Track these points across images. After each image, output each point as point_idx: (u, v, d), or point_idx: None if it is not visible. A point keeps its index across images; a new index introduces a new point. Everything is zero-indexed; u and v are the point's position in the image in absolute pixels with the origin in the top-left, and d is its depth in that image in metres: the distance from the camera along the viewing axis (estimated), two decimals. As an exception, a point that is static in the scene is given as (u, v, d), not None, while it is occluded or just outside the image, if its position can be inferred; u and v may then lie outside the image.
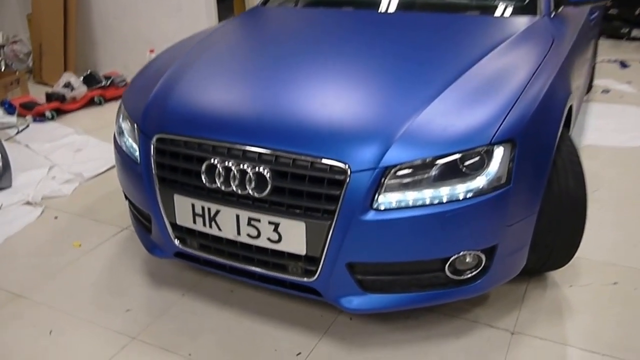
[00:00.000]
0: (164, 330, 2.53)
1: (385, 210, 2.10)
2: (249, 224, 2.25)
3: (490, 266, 2.25)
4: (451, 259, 2.19)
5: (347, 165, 2.10)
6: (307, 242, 2.18)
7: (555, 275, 2.83)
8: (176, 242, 2.49)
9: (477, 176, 2.13)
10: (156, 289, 2.79)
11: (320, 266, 2.20)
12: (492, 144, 2.13)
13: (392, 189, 2.11)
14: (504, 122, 2.17)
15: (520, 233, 2.29)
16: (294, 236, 2.20)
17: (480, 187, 2.12)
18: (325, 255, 2.17)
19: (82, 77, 5.42)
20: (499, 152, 2.14)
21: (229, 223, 2.29)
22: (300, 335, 2.48)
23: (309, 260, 2.24)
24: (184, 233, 2.47)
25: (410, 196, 2.11)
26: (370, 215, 2.09)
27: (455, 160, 2.12)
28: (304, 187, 2.15)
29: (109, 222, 3.40)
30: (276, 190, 2.20)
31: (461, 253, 2.17)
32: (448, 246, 2.15)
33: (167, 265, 2.94)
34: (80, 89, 5.24)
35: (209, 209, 2.32)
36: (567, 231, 2.49)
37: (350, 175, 2.09)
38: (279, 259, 2.28)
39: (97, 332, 2.54)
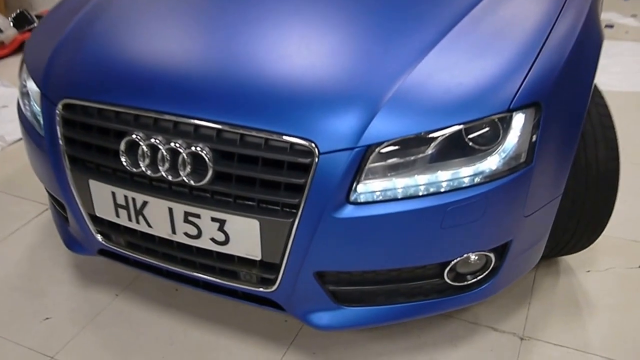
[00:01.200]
0: (89, 345, 1.99)
1: (366, 203, 1.54)
2: (185, 220, 1.68)
3: (500, 267, 1.72)
4: (452, 264, 1.65)
5: (314, 144, 1.52)
6: (262, 245, 1.63)
7: (569, 258, 2.33)
8: (98, 237, 1.92)
9: (488, 154, 1.57)
10: (84, 287, 2.23)
11: (281, 274, 1.65)
12: (511, 110, 1.56)
13: (375, 174, 1.55)
14: (526, 80, 1.59)
15: (539, 223, 1.75)
16: (245, 237, 1.63)
17: (493, 169, 1.57)
18: (287, 262, 1.63)
19: (11, 18, 4.63)
20: (519, 121, 1.58)
21: (161, 218, 1.72)
22: (261, 348, 1.96)
23: (267, 267, 1.69)
24: (106, 227, 1.89)
25: (399, 184, 1.55)
26: (347, 211, 1.53)
27: (460, 133, 1.56)
28: (257, 173, 1.57)
29: (32, 199, 2.79)
30: (219, 177, 1.62)
31: (464, 255, 1.64)
32: (449, 248, 1.61)
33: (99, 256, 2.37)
34: (9, 32, 4.48)
35: (133, 200, 1.74)
36: (594, 211, 1.96)
37: (318, 157, 1.51)
38: (228, 263, 1.73)
39: (4, 352, 1.99)
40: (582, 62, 1.76)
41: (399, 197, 1.54)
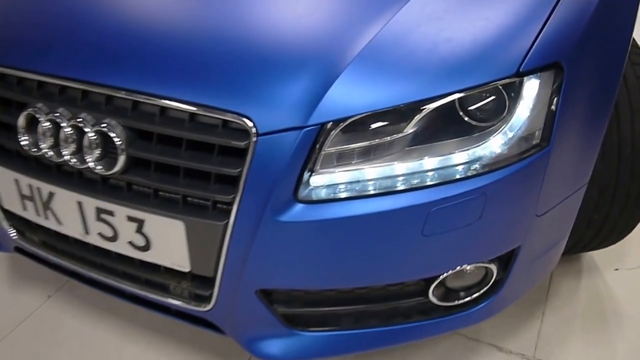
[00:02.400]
0: (6, 362, 1.64)
1: (321, 201, 1.14)
2: (98, 218, 1.30)
3: (504, 280, 1.32)
4: (439, 279, 1.25)
5: (250, 122, 1.11)
6: (190, 252, 1.24)
7: (594, 253, 1.92)
8: (12, 233, 1.54)
9: (490, 134, 1.15)
10: (12, 287, 1.87)
11: (216, 291, 1.27)
12: (521, 74, 1.13)
13: (335, 162, 1.14)
14: (542, 33, 1.16)
15: (557, 223, 1.34)
16: (168, 242, 1.25)
17: (496, 153, 1.15)
18: (222, 276, 1.23)
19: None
20: (531, 88, 1.15)
21: (70, 214, 1.33)
22: (211, 368, 1.59)
23: (199, 280, 1.30)
24: (19, 222, 1.52)
25: (367, 175, 1.14)
26: (295, 212, 1.13)
27: (453, 105, 1.14)
28: (180, 159, 1.17)
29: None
30: (134, 163, 1.23)
31: (457, 268, 1.23)
32: (434, 260, 1.20)
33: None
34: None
35: (38, 190, 1.35)
36: (627, 200, 1.54)
37: (256, 139, 1.11)
38: (153, 274, 1.34)
39: None
40: (616, 9, 1.31)
41: (367, 192, 1.13)
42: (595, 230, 1.59)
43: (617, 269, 1.86)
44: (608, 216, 1.55)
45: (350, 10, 1.20)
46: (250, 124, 1.10)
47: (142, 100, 1.18)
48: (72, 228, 1.36)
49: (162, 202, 1.22)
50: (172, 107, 1.16)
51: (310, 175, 1.13)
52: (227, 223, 1.16)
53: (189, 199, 1.21)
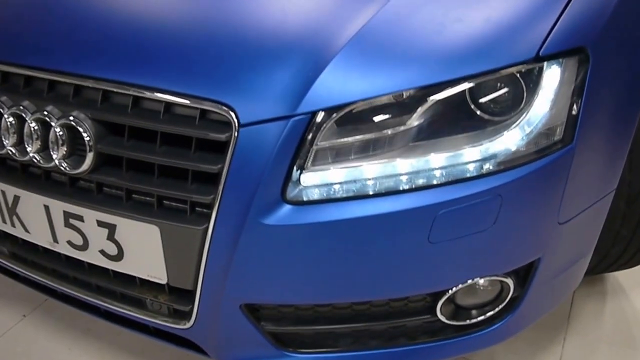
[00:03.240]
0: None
1: (313, 202, 0.99)
2: (67, 224, 1.16)
3: (522, 297, 1.16)
4: (448, 294, 1.09)
5: (231, 111, 0.98)
6: (166, 262, 1.09)
7: (619, 273, 1.75)
8: (-21, 243, 1.41)
9: (505, 128, 1.01)
10: (-13, 304, 1.73)
11: (197, 305, 1.12)
12: (541, 59, 0.99)
13: (328, 159, 1.00)
14: (563, 15, 1.02)
15: (582, 233, 1.18)
16: (143, 251, 1.10)
17: (512, 150, 1.00)
18: (202, 289, 1.09)
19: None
20: (552, 76, 1.01)
21: (38, 220, 1.20)
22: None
23: (178, 294, 1.15)
24: (-14, 230, 1.38)
25: (366, 173, 1.00)
26: (282, 215, 0.99)
27: (463, 96, 1.00)
28: (155, 155, 1.04)
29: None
30: (105, 161, 1.10)
31: (468, 282, 1.08)
32: (441, 272, 1.05)
33: None
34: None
35: (3, 193, 1.22)
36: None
37: (238, 132, 0.97)
38: (128, 287, 1.20)
39: None
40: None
41: (364, 193, 0.99)
42: (622, 246, 1.43)
43: (646, 292, 1.69)
44: (636, 230, 1.39)
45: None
46: (231, 113, 0.97)
47: (113, 89, 1.05)
48: (40, 236, 1.22)
49: (135, 205, 1.08)
50: (145, 96, 1.03)
51: (300, 173, 0.99)
52: (207, 228, 1.02)
53: (165, 202, 1.07)
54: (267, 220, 0.98)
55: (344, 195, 0.99)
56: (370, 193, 0.99)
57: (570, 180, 1.05)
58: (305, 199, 0.99)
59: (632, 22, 1.11)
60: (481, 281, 1.11)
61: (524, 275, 1.13)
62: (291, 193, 0.99)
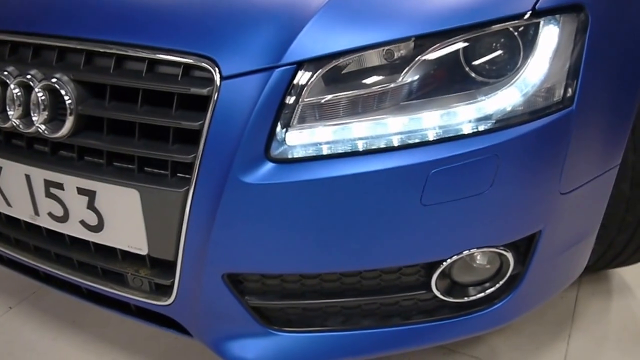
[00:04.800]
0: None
1: (297, 160, 0.92)
2: (47, 193, 1.09)
3: (524, 274, 1.06)
4: (443, 265, 1.00)
5: (213, 64, 0.92)
6: (147, 230, 1.02)
7: (625, 271, 1.65)
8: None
9: (501, 86, 0.94)
10: (-25, 297, 1.65)
11: (177, 278, 1.04)
12: (537, 13, 0.93)
13: (315, 116, 0.93)
14: (560, -31, 0.97)
15: (585, 208, 1.10)
16: (123, 218, 1.03)
17: (508, 109, 0.93)
18: (184, 258, 1.01)
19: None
20: (549, 35, 0.94)
21: (19, 192, 1.13)
22: (182, 388, 1.34)
23: (159, 266, 1.08)
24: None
25: (355, 132, 0.93)
26: (265, 172, 0.92)
27: (457, 52, 0.93)
28: (136, 114, 0.98)
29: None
30: (85, 124, 1.03)
31: (464, 253, 0.99)
32: (435, 239, 0.96)
33: None
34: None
35: (-16, 165, 1.16)
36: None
37: (220, 85, 0.91)
38: (110, 261, 1.12)
39: None
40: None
41: (352, 149, 0.92)
42: (628, 234, 1.34)
43: (652, 291, 1.59)
44: (645, 215, 1.30)
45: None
46: (214, 68, 0.91)
47: (96, 49, 1.00)
48: (22, 209, 1.15)
49: (116, 169, 1.02)
50: (128, 54, 0.97)
51: (286, 131, 0.92)
52: (188, 190, 0.95)
53: (146, 169, 1.00)
54: (249, 179, 0.91)
55: (331, 152, 0.92)
56: (360, 150, 0.92)
57: (571, 145, 0.98)
58: (290, 156, 0.92)
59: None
60: (478, 255, 1.03)
61: (525, 250, 1.04)
62: (275, 150, 0.92)
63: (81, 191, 1.05)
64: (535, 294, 1.12)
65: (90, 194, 1.04)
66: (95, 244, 1.11)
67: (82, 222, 1.08)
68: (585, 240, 1.15)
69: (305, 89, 0.91)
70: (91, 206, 1.05)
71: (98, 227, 1.06)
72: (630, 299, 1.56)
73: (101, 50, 1.00)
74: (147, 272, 1.08)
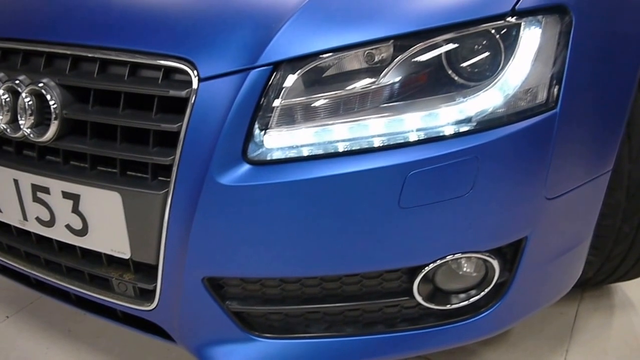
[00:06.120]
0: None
1: (275, 162, 0.91)
2: (35, 198, 1.09)
3: (510, 282, 1.03)
4: (425, 270, 0.97)
5: (191, 66, 0.91)
6: (129, 233, 1.01)
7: (627, 286, 1.60)
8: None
9: (481, 89, 0.92)
10: (-26, 307, 1.65)
11: (159, 283, 1.02)
12: (518, 13, 0.91)
13: (293, 118, 0.92)
14: (542, -30, 0.95)
15: (574, 215, 1.06)
16: (106, 222, 1.02)
17: (489, 110, 0.91)
18: (165, 261, 1.00)
19: None
20: (531, 36, 0.92)
21: (9, 196, 1.13)
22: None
23: (142, 270, 1.06)
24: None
25: (334, 134, 0.91)
26: (242, 174, 0.90)
27: (437, 53, 0.92)
28: (118, 117, 0.97)
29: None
30: (70, 128, 1.04)
31: (447, 258, 0.96)
32: (418, 243, 0.94)
33: None
34: None
35: (-23, 172, 1.16)
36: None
37: (198, 87, 0.90)
38: (96, 266, 1.11)
39: None
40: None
41: (331, 151, 0.90)
42: (625, 246, 1.29)
43: (656, 307, 1.53)
44: (640, 228, 1.26)
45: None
46: (192, 70, 0.90)
47: (81, 53, 1.00)
48: (11, 214, 1.15)
49: (99, 173, 1.01)
50: (111, 58, 0.98)
51: (264, 133, 0.91)
52: (167, 192, 0.94)
53: (128, 172, 1.00)
54: (225, 180, 0.89)
55: (310, 154, 0.90)
56: (339, 152, 0.90)
57: (556, 149, 0.95)
58: (268, 158, 0.91)
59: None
60: (464, 261, 1.00)
61: (511, 256, 1.01)
62: (253, 152, 0.90)
63: (66, 195, 1.04)
64: (525, 303, 1.08)
65: (75, 198, 1.03)
66: (82, 249, 1.10)
67: (68, 226, 1.07)
68: (577, 248, 1.11)
69: (283, 90, 0.90)
70: (76, 210, 1.04)
71: (83, 231, 1.06)
72: (632, 314, 1.50)
73: (85, 54, 1.00)
74: (130, 277, 1.06)
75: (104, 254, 1.07)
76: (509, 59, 0.92)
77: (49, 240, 1.14)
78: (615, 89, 1.05)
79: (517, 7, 0.90)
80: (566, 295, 1.21)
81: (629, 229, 1.26)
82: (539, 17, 0.92)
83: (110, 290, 1.11)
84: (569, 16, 0.94)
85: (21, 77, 1.05)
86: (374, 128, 0.91)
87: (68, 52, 1.02)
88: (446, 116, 0.90)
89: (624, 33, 1.05)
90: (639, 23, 1.09)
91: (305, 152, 0.90)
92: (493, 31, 0.92)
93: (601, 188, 1.08)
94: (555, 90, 0.94)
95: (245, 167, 0.90)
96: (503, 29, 0.92)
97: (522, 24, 0.92)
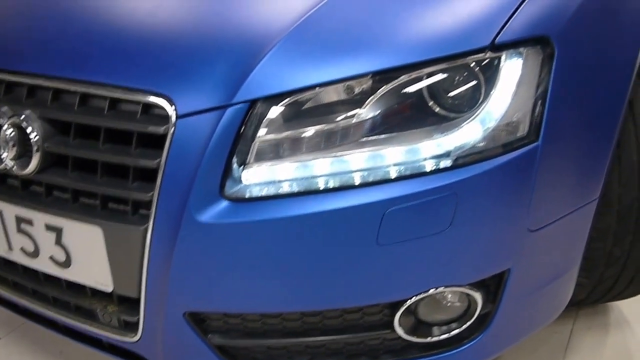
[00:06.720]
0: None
1: (253, 199, 0.90)
2: (19, 229, 1.09)
3: (494, 314, 1.02)
4: (406, 305, 0.96)
5: (169, 103, 0.91)
6: (112, 267, 1.01)
7: (624, 305, 1.58)
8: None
9: (461, 122, 0.91)
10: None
11: (142, 315, 1.02)
12: (497, 47, 0.90)
13: (273, 152, 0.91)
14: (524, 3, 0.93)
15: (559, 245, 1.05)
16: (89, 255, 1.02)
17: (469, 145, 0.90)
18: (147, 295, 0.99)
19: None
20: (512, 68, 0.91)
21: (-6, 227, 1.14)
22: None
23: (125, 303, 1.06)
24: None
25: (314, 169, 0.90)
26: (220, 211, 0.89)
27: (417, 88, 0.91)
28: (98, 152, 0.97)
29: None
30: (52, 161, 1.03)
31: (428, 292, 0.95)
32: (397, 279, 0.93)
33: None
34: None
35: (-36, 201, 1.16)
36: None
37: (176, 124, 0.90)
38: (81, 297, 1.11)
39: None
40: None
41: (312, 188, 0.89)
42: (617, 268, 1.28)
43: (654, 326, 1.51)
44: (631, 250, 1.24)
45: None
46: (169, 105, 0.90)
47: (61, 87, 1.00)
48: (-2, 244, 1.15)
49: (81, 206, 1.01)
50: (91, 92, 0.97)
51: (243, 169, 0.90)
52: (147, 228, 0.94)
53: (110, 204, 1.00)
54: (203, 218, 0.89)
55: (289, 191, 0.90)
56: (317, 189, 0.89)
57: (538, 181, 0.93)
58: (246, 195, 0.90)
59: (605, 17, 1.01)
60: (446, 293, 0.98)
61: (494, 289, 1.00)
62: (230, 189, 0.90)
63: (49, 227, 1.04)
64: (510, 332, 1.07)
65: (58, 230, 1.03)
66: (67, 280, 1.10)
67: (52, 258, 1.07)
68: (565, 276, 1.10)
69: (261, 126, 0.89)
70: (59, 242, 1.04)
71: (66, 263, 1.06)
72: (627, 334, 1.48)
73: (66, 88, 1.00)
74: (114, 309, 1.06)
75: (89, 286, 1.07)
76: (490, 92, 0.91)
77: (35, 270, 1.14)
78: (602, 115, 1.03)
79: (497, 40, 0.89)
80: (560, 314, 1.20)
81: (620, 253, 1.24)
82: (521, 49, 0.91)
83: (95, 320, 1.11)
84: (551, 47, 0.93)
85: (4, 109, 1.05)
86: (354, 163, 0.90)
87: (49, 84, 1.02)
88: (426, 151, 0.89)
89: (609, 58, 1.03)
90: (625, 48, 1.08)
91: (284, 188, 0.90)
92: (473, 64, 0.90)
93: (588, 216, 1.07)
94: (537, 121, 0.92)
95: (223, 204, 0.89)
96: (484, 61, 0.90)
97: (503, 55, 0.90)
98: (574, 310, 1.55)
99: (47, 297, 1.17)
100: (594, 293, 1.35)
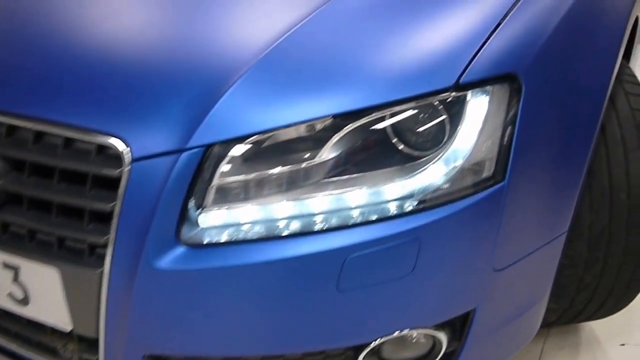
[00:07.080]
0: None
1: (210, 245, 0.87)
2: (-23, 266, 1.06)
3: (459, 352, 1.00)
4: (369, 347, 0.94)
5: (124, 144, 0.87)
6: (70, 307, 0.98)
7: (596, 325, 1.58)
8: None
9: (426, 163, 0.89)
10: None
11: (102, 355, 0.99)
12: (462, 87, 0.87)
13: (231, 195, 0.88)
14: (489, 41, 0.91)
15: (526, 281, 1.03)
16: (46, 295, 0.99)
17: (433, 187, 0.88)
18: (106, 336, 0.97)
19: None
20: (477, 107, 0.89)
21: (-46, 263, 1.10)
22: None
23: (85, 342, 1.03)
24: None
25: (273, 213, 0.88)
26: (176, 257, 0.87)
27: (379, 128, 0.88)
28: (53, 193, 0.94)
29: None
30: (9, 200, 1.00)
31: (393, 335, 0.93)
32: (359, 323, 0.90)
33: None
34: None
35: None
36: (625, 258, 1.22)
37: (130, 167, 0.87)
38: (41, 334, 1.08)
39: None
40: (598, 19, 1.06)
41: (270, 234, 0.87)
42: (588, 294, 1.27)
43: (623, 344, 1.51)
44: (602, 277, 1.23)
45: (250, 11, 0.98)
46: (123, 147, 0.87)
47: (16, 123, 0.96)
48: (-43, 279, 1.12)
49: (37, 246, 0.98)
50: (44, 130, 0.94)
51: (200, 213, 0.88)
52: (103, 271, 0.91)
53: (66, 243, 0.96)
54: (159, 264, 0.86)
55: (247, 237, 0.87)
56: (277, 234, 0.87)
57: (504, 221, 0.92)
58: (204, 240, 0.87)
59: (572, 52, 0.99)
60: (413, 334, 0.97)
61: (460, 328, 0.98)
62: (187, 234, 0.87)
63: (6, 265, 1.01)
64: (477, 368, 1.05)
65: (15, 269, 1.00)
66: (26, 318, 1.07)
67: (10, 295, 1.04)
68: (533, 309, 1.08)
69: (218, 169, 0.86)
70: (16, 280, 1.01)
71: (24, 302, 1.02)
72: (598, 353, 1.48)
73: (20, 124, 0.96)
74: (74, 347, 1.03)
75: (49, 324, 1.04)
76: (455, 130, 0.88)
77: (-3, 306, 1.11)
78: (573, 145, 1.02)
79: (461, 80, 0.86)
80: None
81: (591, 279, 1.23)
82: (487, 87, 0.88)
83: (57, 356, 1.08)
84: (518, 82, 0.90)
85: (-41, 147, 1.01)
86: (315, 206, 0.87)
87: (3, 120, 0.98)
88: (389, 192, 0.87)
89: (580, 87, 1.01)
90: (596, 74, 1.06)
91: (244, 232, 0.87)
92: (437, 103, 0.88)
93: (557, 249, 1.05)
94: (503, 161, 0.90)
95: (180, 249, 0.86)
96: (448, 100, 0.88)
97: (468, 94, 0.88)
98: (545, 329, 1.54)
99: (10, 332, 1.14)
100: (565, 316, 1.34)
